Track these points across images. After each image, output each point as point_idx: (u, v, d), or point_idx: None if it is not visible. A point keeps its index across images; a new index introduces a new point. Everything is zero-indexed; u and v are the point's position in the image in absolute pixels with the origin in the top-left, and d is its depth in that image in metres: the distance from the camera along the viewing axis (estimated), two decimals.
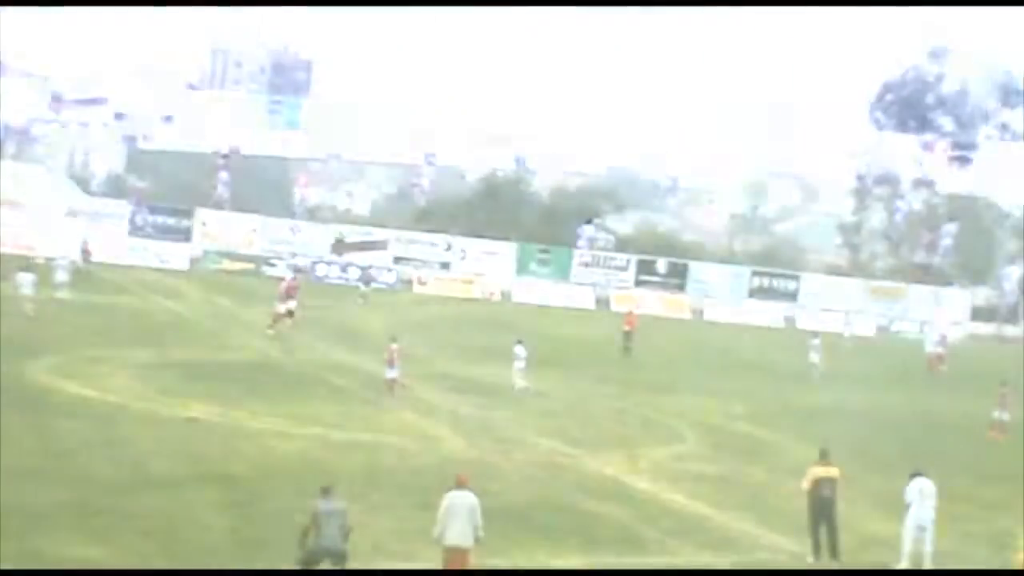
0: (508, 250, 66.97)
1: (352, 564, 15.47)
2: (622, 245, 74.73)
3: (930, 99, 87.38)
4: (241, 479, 21.33)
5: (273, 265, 60.85)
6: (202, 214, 63.37)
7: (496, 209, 74.30)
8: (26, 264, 42.89)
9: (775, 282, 70.70)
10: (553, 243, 68.40)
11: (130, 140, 75.13)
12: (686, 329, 61.17)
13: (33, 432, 23.09)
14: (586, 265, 68.07)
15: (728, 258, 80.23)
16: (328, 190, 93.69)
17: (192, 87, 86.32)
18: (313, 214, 72.31)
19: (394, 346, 31.76)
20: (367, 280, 58.86)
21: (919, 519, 19.53)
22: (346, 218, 78.49)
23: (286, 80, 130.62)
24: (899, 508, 19.90)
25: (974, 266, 79.73)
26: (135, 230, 61.54)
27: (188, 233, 62.45)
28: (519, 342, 35.02)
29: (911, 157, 78.33)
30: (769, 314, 67.98)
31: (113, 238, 60.51)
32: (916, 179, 79.72)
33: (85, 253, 55.58)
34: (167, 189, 71.42)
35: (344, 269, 63.26)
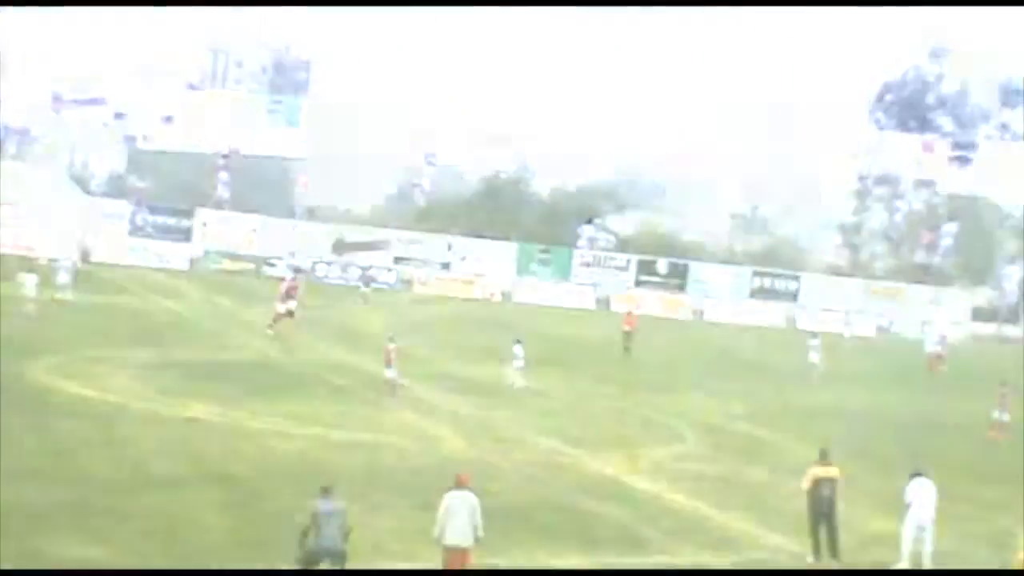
0: (508, 250, 66.98)
1: (352, 564, 15.45)
2: (622, 245, 74.76)
3: (930, 99, 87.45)
4: (241, 479, 21.33)
5: (273, 265, 60.88)
6: (203, 214, 63.40)
7: (496, 209, 74.37)
8: (29, 265, 42.91)
9: (775, 282, 70.72)
10: (553, 243, 68.42)
11: (130, 140, 75.12)
12: (686, 329, 61.18)
13: (33, 432, 23.08)
14: (587, 265, 68.10)
15: (728, 258, 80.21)
16: (328, 190, 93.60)
17: (192, 87, 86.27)
18: (313, 214, 72.29)
19: (391, 346, 31.74)
20: (367, 280, 58.91)
21: (919, 519, 19.51)
22: (346, 218, 78.52)
23: (287, 80, 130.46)
24: (899, 508, 19.89)
25: (974, 266, 79.77)
26: (135, 230, 61.57)
27: (188, 233, 62.48)
28: (518, 342, 35.07)
29: (911, 157, 78.32)
30: (769, 314, 68.00)
31: (113, 238, 60.55)
32: (916, 179, 79.73)
33: (84, 253, 55.61)
34: (167, 189, 71.45)
35: (344, 269, 63.28)
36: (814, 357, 45.15)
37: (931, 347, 54.25)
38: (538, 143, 77.77)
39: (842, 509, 20.03)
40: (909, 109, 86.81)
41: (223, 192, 66.50)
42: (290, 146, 73.76)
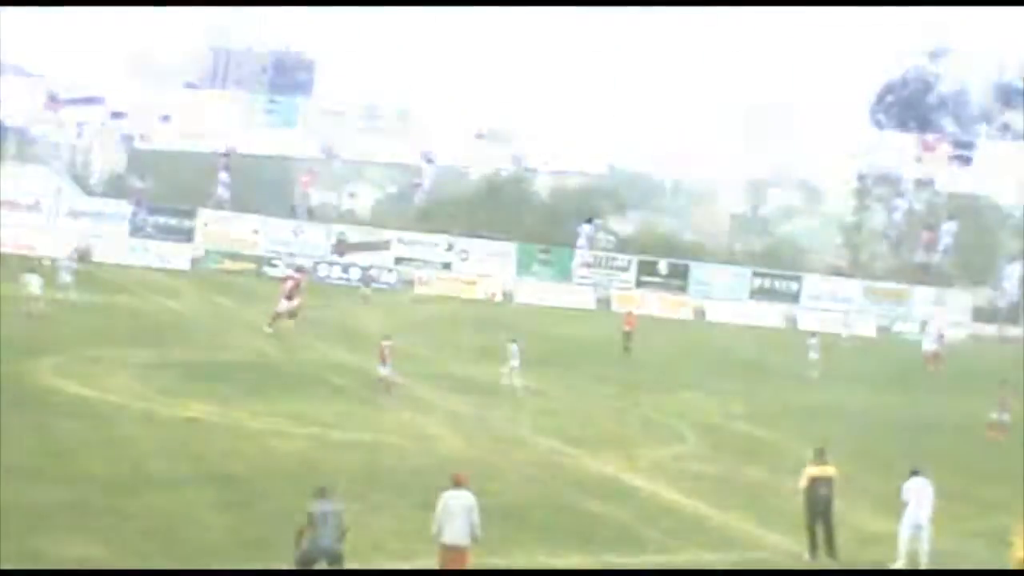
0: (509, 250, 66.98)
1: (351, 563, 15.48)
2: (623, 245, 74.74)
3: (930, 99, 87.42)
4: (241, 479, 21.35)
5: (274, 265, 60.86)
6: (204, 214, 63.41)
7: (497, 209, 74.39)
8: (31, 265, 42.94)
9: (776, 283, 70.68)
10: (554, 243, 68.41)
11: (127, 139, 75.03)
12: (687, 329, 61.19)
13: (33, 432, 23.10)
14: (587, 265, 68.05)
15: (729, 259, 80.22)
16: (329, 190, 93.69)
17: (191, 86, 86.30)
18: (314, 214, 72.28)
19: (386, 343, 31.74)
20: (368, 280, 58.93)
21: (916, 518, 19.54)
22: (347, 218, 78.53)
23: (287, 80, 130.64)
24: (898, 507, 19.91)
25: (975, 266, 79.74)
26: (136, 230, 61.56)
27: (190, 233, 62.46)
28: (513, 341, 35.06)
29: (912, 157, 78.23)
30: (770, 315, 67.99)
31: (114, 238, 60.55)
32: (916, 179, 79.68)
33: (83, 253, 55.59)
34: (167, 189, 71.42)
35: (345, 269, 63.27)
36: (813, 356, 45.30)
37: (928, 345, 54.29)
38: (538, 143, 77.62)
39: (840, 508, 20.07)
40: (909, 109, 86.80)
41: (223, 192, 66.41)
42: (290, 146, 73.66)
